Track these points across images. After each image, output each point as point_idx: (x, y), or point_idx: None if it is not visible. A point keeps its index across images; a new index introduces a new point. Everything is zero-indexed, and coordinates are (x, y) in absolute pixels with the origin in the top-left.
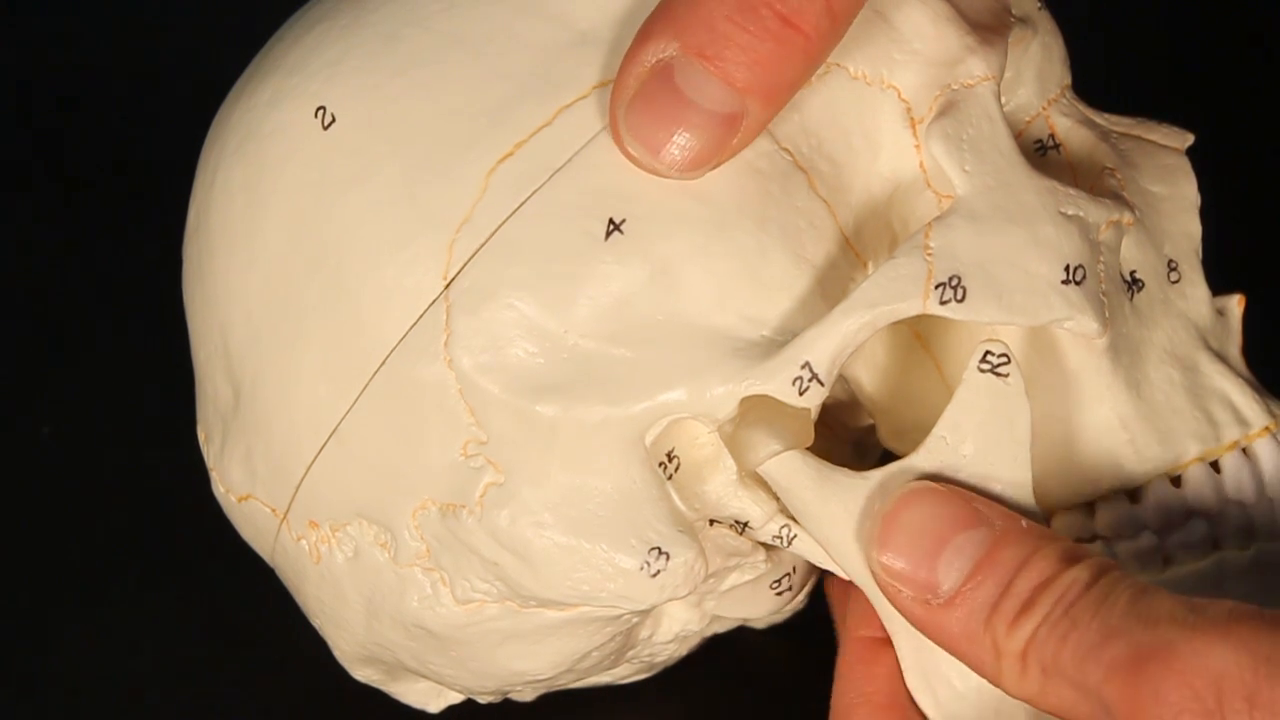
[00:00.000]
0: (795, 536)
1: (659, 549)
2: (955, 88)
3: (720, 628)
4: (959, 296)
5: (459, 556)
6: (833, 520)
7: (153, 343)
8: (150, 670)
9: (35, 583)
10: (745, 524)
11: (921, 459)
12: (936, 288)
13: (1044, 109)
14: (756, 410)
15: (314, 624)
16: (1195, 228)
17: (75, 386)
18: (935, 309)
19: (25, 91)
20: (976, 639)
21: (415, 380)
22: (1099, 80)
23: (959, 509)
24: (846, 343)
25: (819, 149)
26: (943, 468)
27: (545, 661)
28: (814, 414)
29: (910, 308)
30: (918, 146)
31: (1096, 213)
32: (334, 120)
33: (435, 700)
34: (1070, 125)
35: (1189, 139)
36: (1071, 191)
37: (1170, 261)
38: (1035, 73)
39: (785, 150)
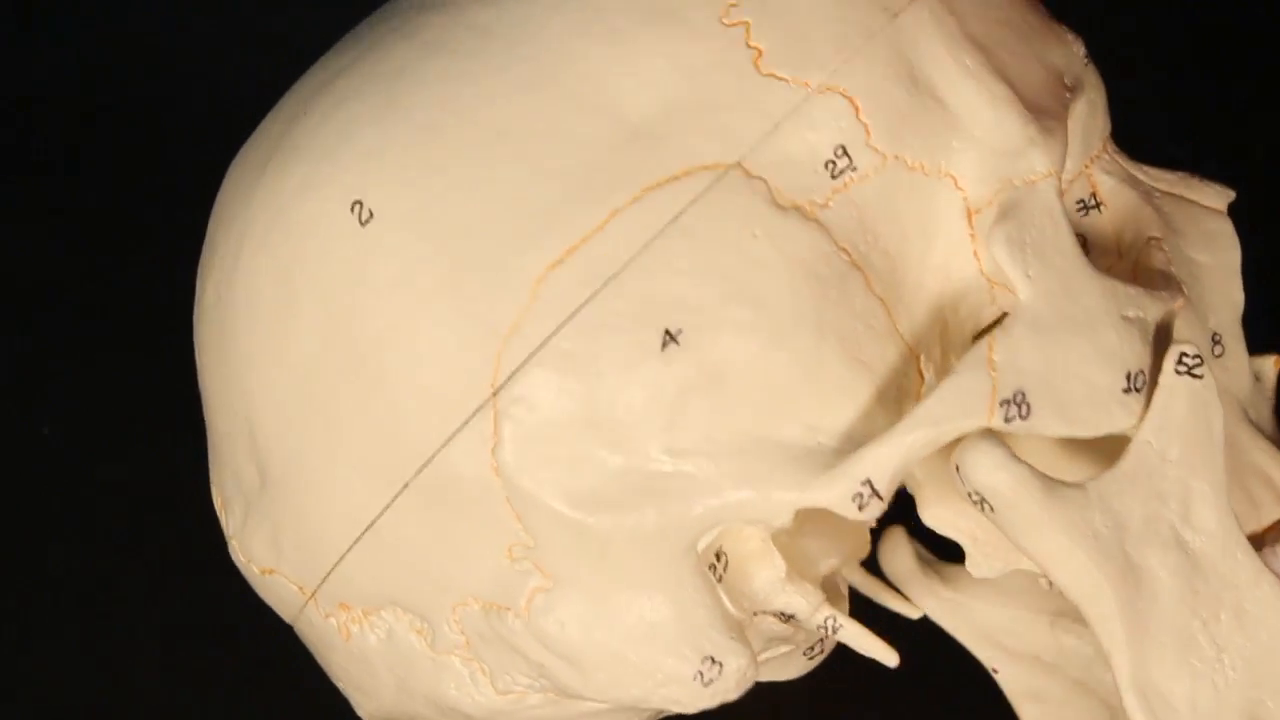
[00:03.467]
0: (841, 627)
1: (712, 658)
2: (1017, 184)
3: None
4: (1023, 414)
5: (502, 654)
6: (1053, 534)
7: (153, 343)
8: (150, 670)
9: (35, 583)
10: (791, 616)
11: (1130, 465)
12: (1001, 404)
13: (1086, 167)
14: (812, 519)
15: (338, 685)
16: (1238, 296)
17: (75, 386)
18: (1000, 426)
19: (26, 91)
20: None
21: (459, 484)
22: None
23: None
24: (908, 459)
25: (875, 244)
26: (1151, 474)
27: None
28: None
29: (974, 424)
30: (973, 236)
31: (1155, 309)
32: (371, 216)
33: None
34: (1113, 184)
35: (1230, 196)
36: (1132, 291)
37: (1215, 335)
38: (1080, 133)
39: (843, 250)
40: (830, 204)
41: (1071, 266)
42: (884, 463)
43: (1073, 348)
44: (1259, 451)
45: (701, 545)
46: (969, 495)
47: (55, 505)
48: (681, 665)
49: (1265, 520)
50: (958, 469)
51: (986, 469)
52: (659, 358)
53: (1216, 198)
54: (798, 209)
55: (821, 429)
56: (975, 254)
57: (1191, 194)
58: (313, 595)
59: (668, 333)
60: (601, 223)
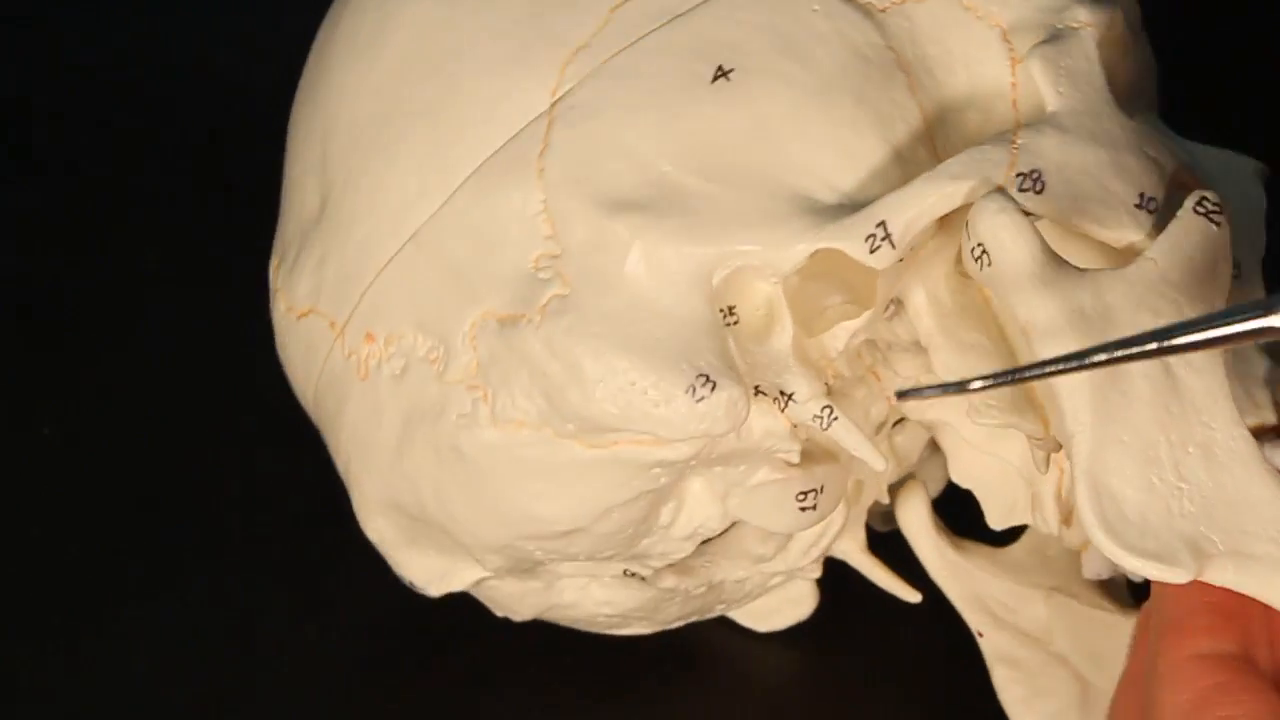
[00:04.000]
0: (836, 419)
1: (707, 376)
2: (1060, 26)
3: (731, 576)
4: (1037, 188)
5: (508, 369)
6: (1041, 297)
7: (154, 343)
8: (151, 670)
9: (35, 583)
10: (790, 396)
11: (1132, 271)
12: (1018, 175)
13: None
14: (823, 269)
15: (341, 466)
16: (1261, 241)
17: (75, 386)
18: (1014, 193)
19: (27, 91)
20: None
21: (503, 188)
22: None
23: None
24: (923, 209)
25: (922, 61)
26: (1149, 289)
27: (565, 507)
28: (881, 293)
29: (988, 184)
30: (1014, 84)
31: (1174, 165)
32: None
33: (438, 581)
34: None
35: (1263, 169)
36: (1157, 137)
37: (1235, 261)
38: (1128, 78)
39: (891, 49)
40: (888, 10)
41: (1100, 97)
42: (900, 209)
43: (1091, 154)
44: (1262, 366)
45: (717, 279)
46: (972, 251)
47: (55, 505)
48: (676, 378)
49: (1263, 419)
50: (967, 226)
51: (992, 213)
52: (708, 88)
53: (1251, 170)
54: (858, 3)
55: (842, 190)
56: (1014, 103)
57: (1226, 165)
58: (343, 328)
59: (720, 69)
60: None
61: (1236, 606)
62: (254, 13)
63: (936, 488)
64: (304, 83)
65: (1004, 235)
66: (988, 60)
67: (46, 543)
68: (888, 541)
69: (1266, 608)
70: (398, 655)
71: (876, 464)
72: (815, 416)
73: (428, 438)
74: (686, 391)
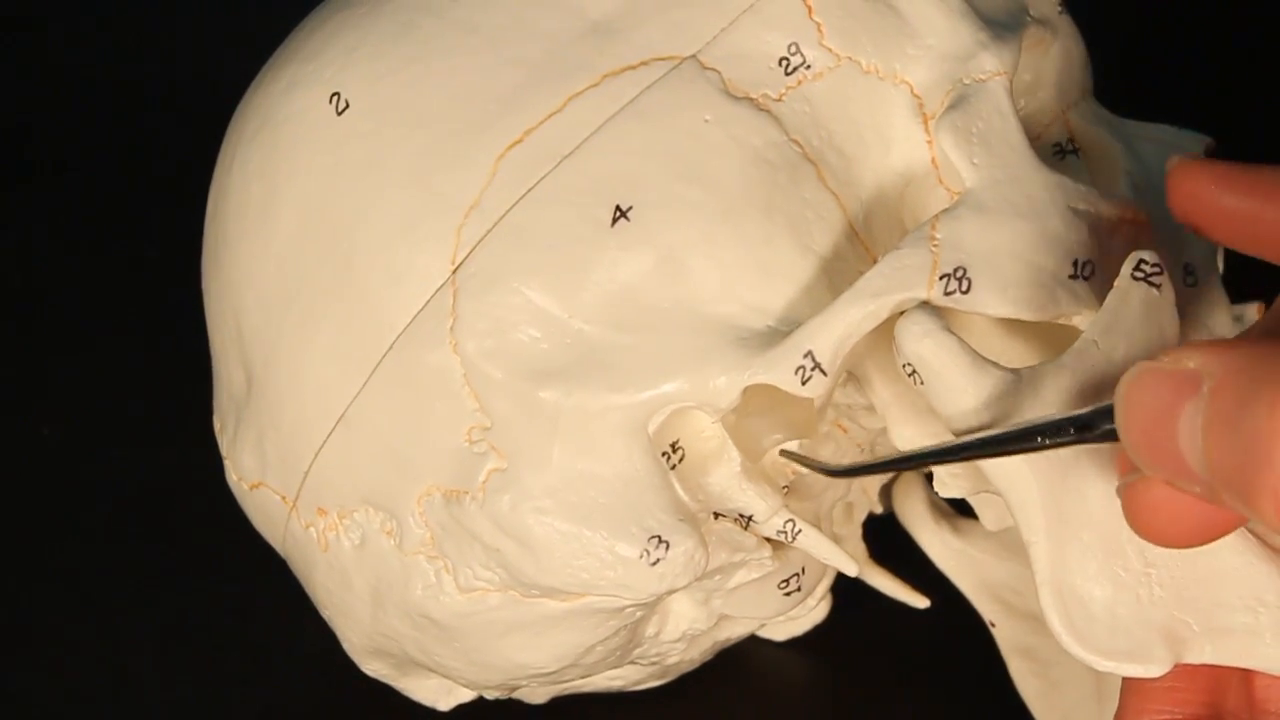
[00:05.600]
0: (800, 532)
1: (659, 537)
2: (967, 82)
3: (734, 633)
4: (963, 288)
5: (462, 543)
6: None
7: (153, 343)
8: (150, 670)
9: (35, 583)
10: (749, 518)
11: (1071, 360)
12: (941, 278)
13: (1064, 112)
14: (761, 401)
15: (324, 616)
16: None
17: (75, 386)
18: (940, 300)
19: (27, 91)
20: None
21: (422, 365)
22: (1118, 85)
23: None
24: (850, 332)
25: (829, 141)
26: (1092, 372)
27: (548, 654)
28: (819, 404)
29: (914, 297)
30: (929, 142)
31: (1109, 209)
32: (348, 106)
33: (445, 698)
34: (1089, 129)
35: (1209, 142)
36: (1083, 188)
37: (1188, 265)
38: (1055, 77)
39: (795, 142)
40: (784, 98)
41: (1019, 158)
42: (825, 335)
43: (1018, 231)
44: None
45: (652, 427)
46: (903, 368)
47: (55, 505)
48: (628, 544)
49: None
50: (894, 342)
51: (916, 336)
52: (609, 232)
53: (1196, 144)
54: (750, 100)
55: (768, 311)
56: (933, 161)
57: (1171, 140)
58: (295, 503)
59: (619, 209)
60: (560, 105)
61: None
62: (255, 13)
63: None
64: (206, 246)
65: (930, 359)
66: (900, 123)
67: (46, 543)
68: (896, 545)
69: None
70: None
71: (849, 569)
72: (779, 532)
73: (399, 606)
74: (641, 556)
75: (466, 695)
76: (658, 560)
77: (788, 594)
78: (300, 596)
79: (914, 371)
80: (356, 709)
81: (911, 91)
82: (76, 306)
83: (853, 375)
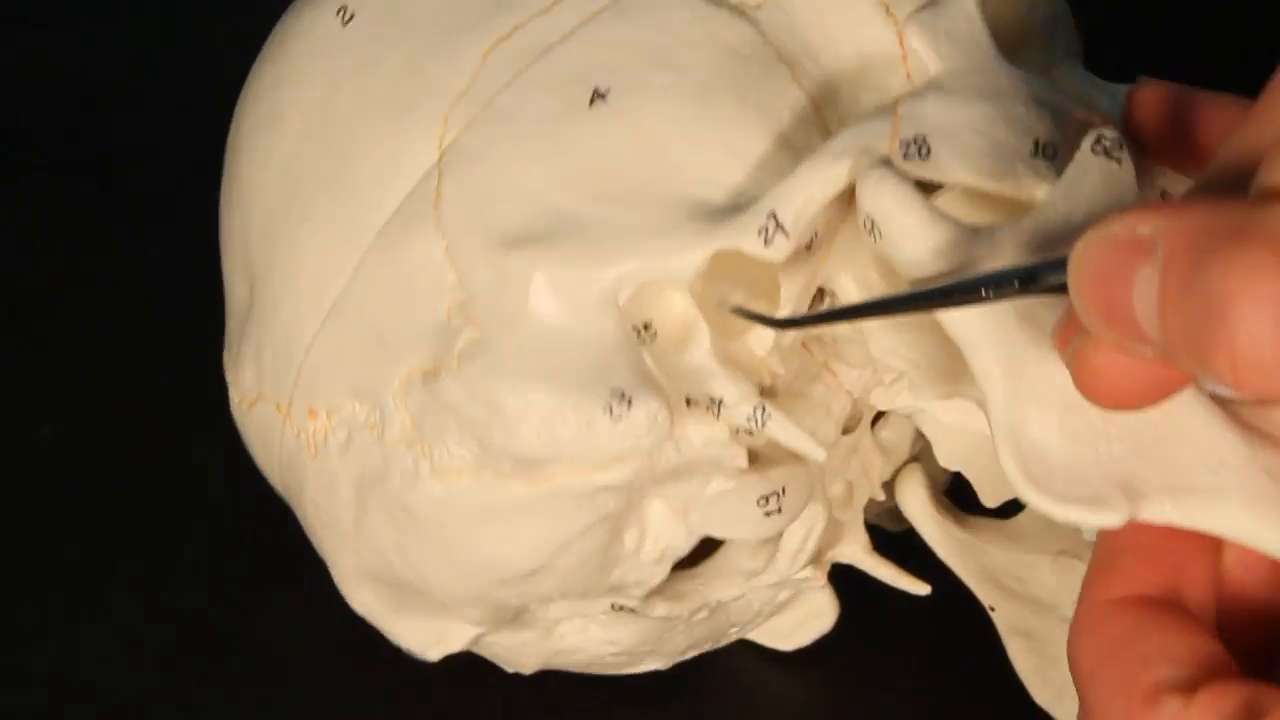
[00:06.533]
0: (770, 417)
1: (622, 393)
2: None
3: (726, 595)
4: (922, 154)
5: (439, 421)
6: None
7: (153, 343)
8: (150, 670)
9: (35, 583)
10: (720, 402)
11: (1029, 222)
12: (901, 144)
13: (1048, 69)
14: (730, 271)
15: (315, 544)
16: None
17: (75, 386)
18: (899, 163)
19: (27, 90)
20: None
21: (406, 245)
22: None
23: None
24: (811, 194)
25: (805, 49)
26: (1050, 235)
27: (521, 547)
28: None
29: (873, 158)
30: (905, 59)
31: (1077, 110)
32: (353, 17)
33: (434, 647)
34: (1075, 86)
35: None
36: (1048, 83)
37: (1163, 193)
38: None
39: (770, 43)
40: (762, 4)
41: (984, 54)
42: (786, 196)
43: (978, 110)
44: None
45: (622, 298)
46: (863, 224)
47: (55, 505)
48: (593, 402)
49: None
50: (856, 202)
51: (873, 183)
52: (586, 112)
53: None
54: (729, 5)
55: (737, 189)
56: (908, 75)
57: None
58: (288, 409)
59: (596, 91)
60: (548, 5)
61: (1166, 547)
62: (255, 12)
63: (944, 475)
64: (224, 176)
65: (887, 204)
66: (873, 35)
67: (46, 543)
68: (897, 544)
69: (1213, 544)
70: (397, 652)
71: (816, 455)
72: (748, 418)
73: (379, 502)
74: (604, 412)
75: (455, 642)
76: (620, 417)
77: (768, 514)
78: (304, 596)
79: (873, 227)
80: (359, 709)
81: (885, 7)
82: (76, 306)
83: (828, 295)
